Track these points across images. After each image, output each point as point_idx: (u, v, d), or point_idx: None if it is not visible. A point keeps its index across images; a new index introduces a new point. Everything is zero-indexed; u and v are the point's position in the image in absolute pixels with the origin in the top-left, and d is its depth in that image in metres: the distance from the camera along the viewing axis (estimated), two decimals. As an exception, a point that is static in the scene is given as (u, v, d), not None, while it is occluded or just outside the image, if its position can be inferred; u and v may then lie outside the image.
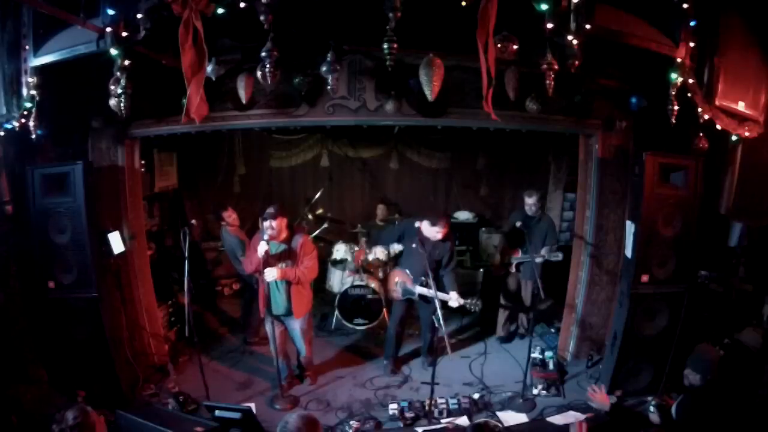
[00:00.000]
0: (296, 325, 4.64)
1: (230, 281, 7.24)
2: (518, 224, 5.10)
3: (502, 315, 5.84)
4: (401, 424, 4.28)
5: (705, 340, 3.97)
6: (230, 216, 5.57)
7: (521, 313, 5.87)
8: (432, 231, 4.76)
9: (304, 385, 4.96)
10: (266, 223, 4.26)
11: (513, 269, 5.57)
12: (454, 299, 4.71)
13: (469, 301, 4.71)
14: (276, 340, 4.63)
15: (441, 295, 4.61)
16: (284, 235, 4.40)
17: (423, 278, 4.79)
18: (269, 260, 4.31)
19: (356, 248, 6.46)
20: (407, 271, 5.00)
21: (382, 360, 5.43)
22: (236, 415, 3.43)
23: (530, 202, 5.40)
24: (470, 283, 6.87)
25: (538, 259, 4.97)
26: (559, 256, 5.12)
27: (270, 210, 4.27)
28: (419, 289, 4.86)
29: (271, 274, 4.23)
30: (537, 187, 7.83)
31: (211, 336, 5.97)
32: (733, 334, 3.75)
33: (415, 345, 5.65)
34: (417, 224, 4.87)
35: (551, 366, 5.06)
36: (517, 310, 5.84)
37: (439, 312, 4.40)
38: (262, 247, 4.20)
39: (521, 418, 4.38)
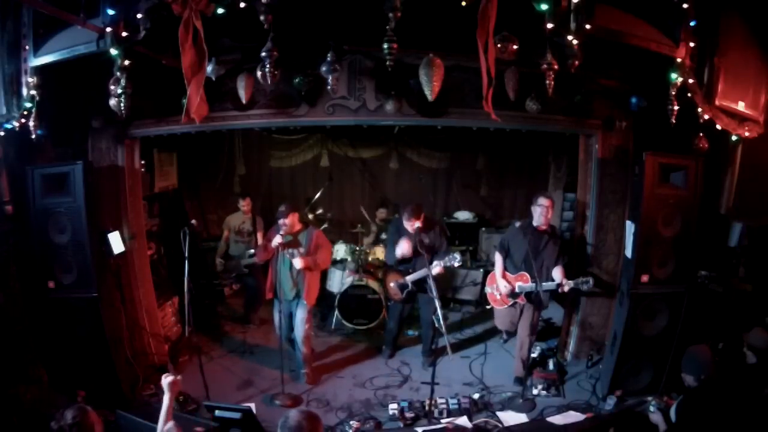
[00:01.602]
0: (300, 313, 4.82)
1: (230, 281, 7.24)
2: (523, 245, 4.53)
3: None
4: (401, 424, 4.28)
5: (705, 340, 3.97)
6: (245, 206, 6.12)
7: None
8: (408, 225, 4.89)
9: (304, 383, 4.95)
10: (280, 222, 4.64)
11: (522, 300, 4.72)
12: (435, 266, 4.78)
13: (447, 258, 4.80)
14: (283, 327, 4.86)
15: (425, 271, 4.76)
16: (297, 227, 4.79)
17: (409, 267, 5.03)
18: (281, 247, 4.66)
19: (356, 248, 6.47)
20: (399, 268, 5.12)
21: (381, 360, 5.45)
22: (236, 415, 3.43)
23: (543, 202, 4.52)
24: (471, 283, 6.87)
25: (565, 288, 4.43)
26: (590, 282, 4.43)
27: (281, 209, 4.68)
28: (410, 278, 5.00)
29: (297, 263, 4.67)
30: (537, 188, 7.88)
31: (211, 336, 5.97)
32: (741, 333, 3.77)
33: (416, 345, 5.64)
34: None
35: (551, 366, 5.06)
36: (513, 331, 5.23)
37: (439, 311, 4.41)
38: (276, 240, 4.60)
39: (521, 418, 4.38)
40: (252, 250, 5.97)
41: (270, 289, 4.88)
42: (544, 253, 4.61)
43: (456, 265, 4.90)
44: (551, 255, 4.65)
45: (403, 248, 4.95)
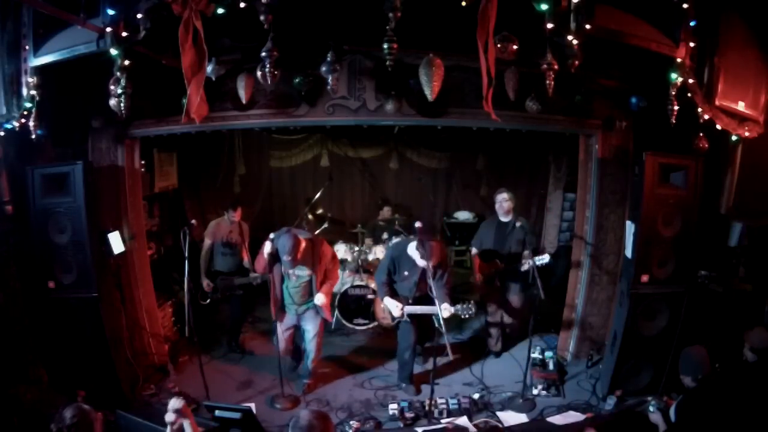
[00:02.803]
0: (312, 328, 4.66)
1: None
2: (491, 236, 5.14)
3: (492, 333, 5.48)
4: (401, 424, 4.28)
5: (705, 341, 3.97)
6: (235, 216, 5.49)
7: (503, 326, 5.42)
8: (420, 255, 4.31)
9: (301, 390, 4.93)
10: (289, 260, 4.20)
11: (497, 284, 5.19)
12: (444, 309, 4.27)
13: (459, 306, 4.38)
14: (283, 342, 4.73)
15: (430, 309, 4.40)
16: (304, 246, 4.33)
17: (407, 297, 4.59)
18: (271, 258, 4.38)
19: (356, 248, 6.46)
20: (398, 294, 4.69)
21: (381, 361, 5.42)
22: (236, 415, 3.42)
23: (500, 198, 5.09)
24: (470, 282, 6.86)
25: (524, 267, 4.72)
26: (546, 259, 4.69)
27: (287, 248, 4.13)
28: (408, 309, 4.55)
29: (320, 300, 4.43)
30: (537, 188, 7.90)
31: (211, 336, 5.97)
32: (743, 332, 3.77)
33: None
34: (410, 253, 4.47)
35: (551, 366, 5.06)
36: (504, 327, 5.45)
37: (440, 314, 4.38)
38: (267, 247, 4.33)
39: (521, 418, 4.38)
40: (254, 274, 5.26)
41: (275, 308, 4.53)
42: (509, 240, 5.11)
43: (468, 316, 4.47)
44: (517, 242, 5.08)
45: (397, 314, 4.59)
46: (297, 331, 4.82)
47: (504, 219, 5.17)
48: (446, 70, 4.05)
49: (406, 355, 4.79)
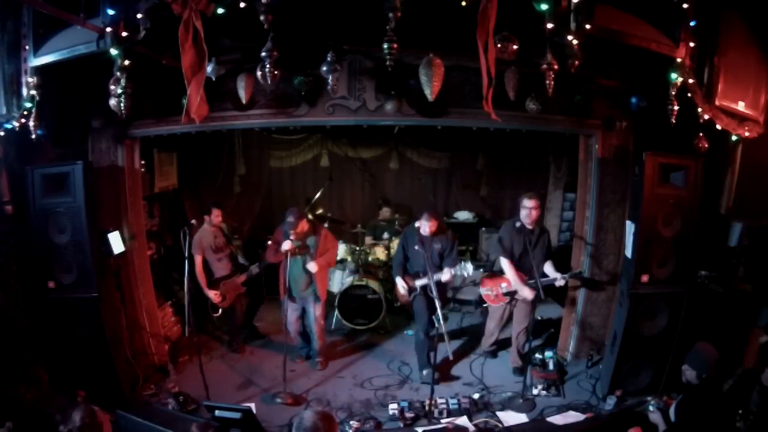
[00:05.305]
0: (314, 310, 5.10)
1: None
2: (519, 243, 4.76)
3: (489, 333, 5.39)
4: (401, 424, 4.28)
5: (705, 341, 3.97)
6: (217, 217, 5.39)
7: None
8: (422, 225, 4.80)
9: (306, 382, 4.97)
10: (291, 232, 4.74)
11: (519, 296, 4.87)
12: (445, 273, 4.68)
13: (458, 267, 4.67)
14: (293, 323, 5.20)
15: (435, 276, 4.65)
16: (305, 229, 4.92)
17: (419, 272, 4.87)
18: (296, 251, 4.87)
19: (356, 248, 6.45)
20: (409, 272, 5.01)
21: (381, 360, 5.43)
22: (236, 415, 3.43)
23: (530, 205, 4.68)
24: (471, 283, 6.86)
25: (560, 282, 4.67)
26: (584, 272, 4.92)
27: (290, 219, 4.76)
28: (419, 282, 4.85)
29: (312, 267, 4.90)
30: (537, 188, 7.89)
31: (211, 336, 5.97)
32: (742, 333, 3.74)
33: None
34: (417, 224, 4.89)
35: (551, 366, 5.06)
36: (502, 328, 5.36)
37: (439, 311, 4.40)
38: (286, 245, 4.71)
39: (521, 418, 4.38)
40: (252, 266, 5.47)
41: (283, 291, 4.96)
42: (536, 250, 4.76)
43: (467, 275, 4.77)
44: (541, 251, 4.85)
45: (404, 290, 4.96)
46: (305, 315, 5.23)
47: (529, 227, 4.76)
48: (446, 70, 4.04)
49: (422, 334, 4.94)
